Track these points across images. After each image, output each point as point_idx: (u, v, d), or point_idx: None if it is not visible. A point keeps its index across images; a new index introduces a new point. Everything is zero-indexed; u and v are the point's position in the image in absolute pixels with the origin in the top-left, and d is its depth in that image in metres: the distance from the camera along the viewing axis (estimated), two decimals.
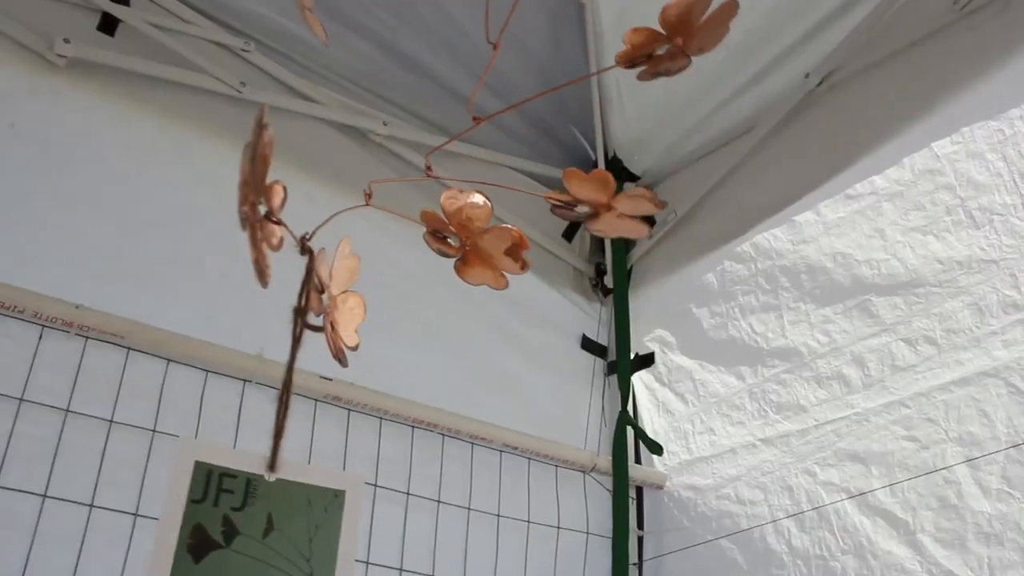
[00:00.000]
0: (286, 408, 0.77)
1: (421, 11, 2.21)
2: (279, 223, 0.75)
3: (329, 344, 0.82)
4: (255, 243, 0.74)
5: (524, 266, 0.85)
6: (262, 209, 0.74)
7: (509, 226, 0.86)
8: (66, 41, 1.83)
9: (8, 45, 1.81)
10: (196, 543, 0.76)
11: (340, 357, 0.82)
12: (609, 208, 0.81)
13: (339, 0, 2.15)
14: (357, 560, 1.83)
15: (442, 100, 2.41)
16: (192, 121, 2.00)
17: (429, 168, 0.89)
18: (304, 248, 0.78)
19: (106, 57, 1.90)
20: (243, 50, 2.13)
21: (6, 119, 1.78)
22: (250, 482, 0.78)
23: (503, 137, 2.56)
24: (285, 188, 0.75)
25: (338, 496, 0.80)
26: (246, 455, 0.80)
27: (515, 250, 0.84)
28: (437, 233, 0.86)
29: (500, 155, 2.57)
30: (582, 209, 0.82)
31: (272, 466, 0.78)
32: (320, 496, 0.79)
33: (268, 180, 0.73)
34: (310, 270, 0.78)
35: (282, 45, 2.18)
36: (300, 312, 0.76)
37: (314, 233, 0.79)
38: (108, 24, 1.96)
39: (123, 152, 1.89)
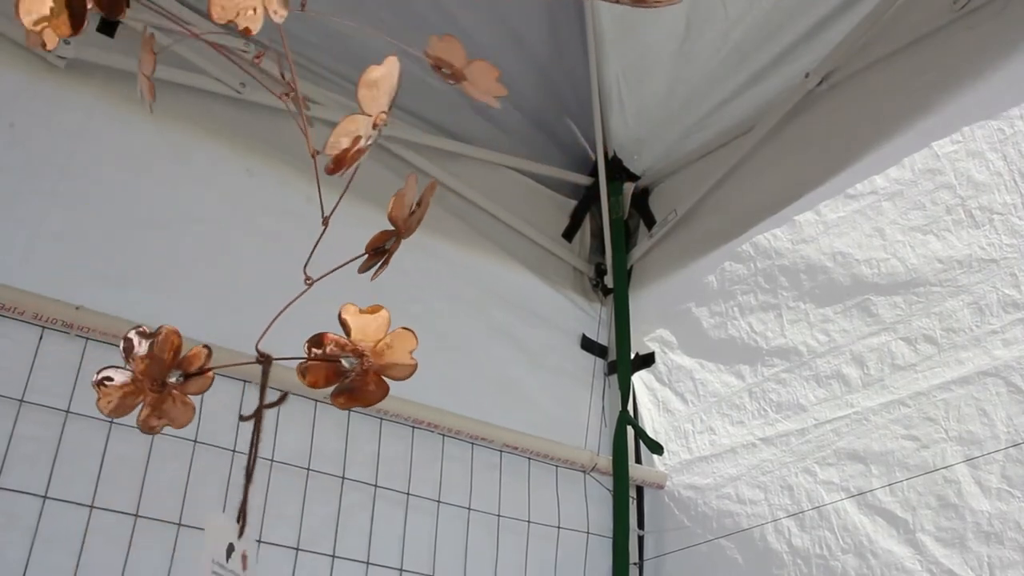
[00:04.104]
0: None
1: (422, 11, 2.21)
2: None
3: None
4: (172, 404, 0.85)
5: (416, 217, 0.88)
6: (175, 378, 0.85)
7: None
8: (66, 42, 1.83)
9: (8, 46, 1.81)
10: None
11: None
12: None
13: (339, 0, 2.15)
14: (359, 560, 1.84)
15: (442, 100, 2.41)
16: (192, 122, 2.00)
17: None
18: (245, 418, 0.89)
19: (106, 58, 1.90)
20: (243, 51, 2.12)
21: (6, 119, 1.78)
22: None
23: (503, 137, 2.56)
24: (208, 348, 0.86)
25: None
26: None
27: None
28: (378, 249, 0.88)
29: (499, 155, 2.57)
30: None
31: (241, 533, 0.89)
32: None
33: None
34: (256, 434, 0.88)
35: (282, 45, 2.18)
36: (248, 474, 0.87)
37: (257, 414, 0.88)
38: (108, 25, 1.96)
39: (123, 153, 1.89)
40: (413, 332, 0.88)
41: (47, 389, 1.60)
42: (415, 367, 0.88)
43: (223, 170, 2.01)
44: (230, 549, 0.86)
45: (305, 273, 0.87)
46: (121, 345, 0.82)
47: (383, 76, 0.76)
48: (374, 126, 0.77)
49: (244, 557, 0.86)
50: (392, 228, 0.86)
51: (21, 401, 1.57)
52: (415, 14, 2.22)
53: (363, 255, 0.87)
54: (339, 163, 0.76)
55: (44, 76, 1.83)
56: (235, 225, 1.95)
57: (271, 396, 0.90)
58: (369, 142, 0.77)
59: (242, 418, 0.88)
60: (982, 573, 1.54)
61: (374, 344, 0.87)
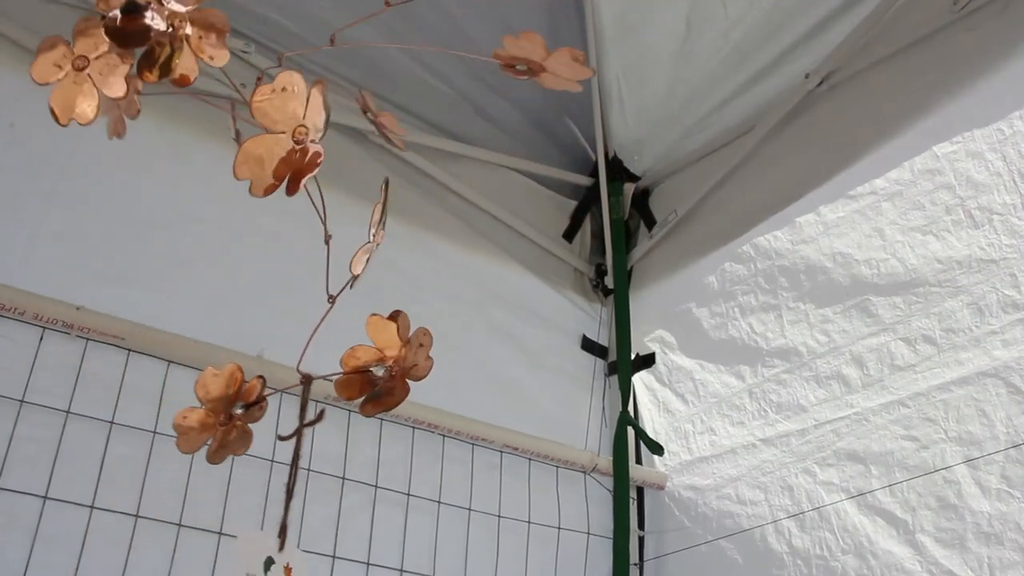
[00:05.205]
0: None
1: (422, 12, 2.21)
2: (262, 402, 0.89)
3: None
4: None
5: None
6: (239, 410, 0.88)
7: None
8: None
9: (8, 46, 1.81)
10: None
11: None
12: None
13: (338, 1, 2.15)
14: (359, 561, 1.84)
15: (443, 101, 2.41)
16: (191, 122, 2.00)
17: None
18: (283, 437, 0.92)
19: None
20: (243, 51, 2.12)
21: (6, 119, 1.77)
22: None
23: (503, 137, 2.56)
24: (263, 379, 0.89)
25: None
26: None
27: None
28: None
29: (500, 155, 2.57)
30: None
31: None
32: None
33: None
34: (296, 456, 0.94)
35: (282, 46, 2.18)
36: (288, 492, 0.94)
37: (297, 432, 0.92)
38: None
39: (123, 153, 1.88)
40: (429, 331, 0.89)
41: (47, 390, 1.60)
42: (431, 365, 0.89)
43: (223, 170, 2.00)
44: (268, 563, 0.87)
45: (328, 292, 0.88)
46: (197, 386, 0.87)
47: (278, 92, 0.75)
48: (297, 141, 0.76)
49: (288, 570, 0.87)
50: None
51: (21, 402, 1.57)
52: (415, 14, 2.21)
53: (362, 270, 0.88)
54: (294, 183, 0.77)
55: None
56: (235, 225, 1.95)
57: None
58: (319, 156, 0.76)
59: (280, 438, 0.90)
60: (982, 574, 1.54)
61: (400, 349, 0.88)
